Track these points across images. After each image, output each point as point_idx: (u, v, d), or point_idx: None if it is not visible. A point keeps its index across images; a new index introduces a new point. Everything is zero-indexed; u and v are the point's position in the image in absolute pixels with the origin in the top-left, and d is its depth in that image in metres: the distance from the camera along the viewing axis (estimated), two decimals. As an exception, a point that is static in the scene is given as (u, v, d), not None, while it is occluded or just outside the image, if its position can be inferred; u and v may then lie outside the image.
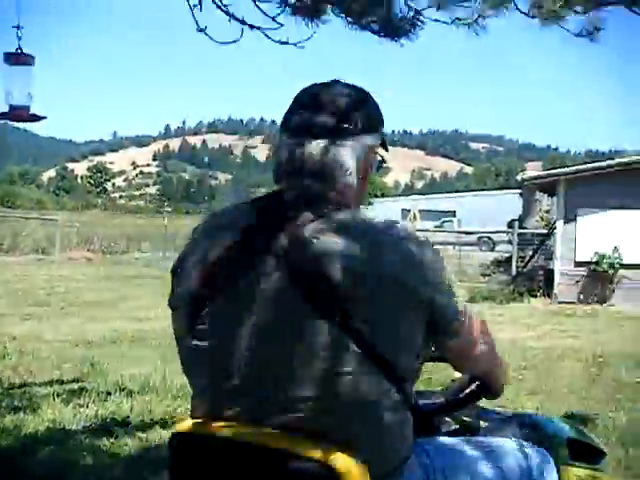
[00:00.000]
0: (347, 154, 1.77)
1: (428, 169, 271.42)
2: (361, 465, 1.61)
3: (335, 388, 1.63)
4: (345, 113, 1.78)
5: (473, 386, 2.08)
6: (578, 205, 17.91)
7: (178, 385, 7.29)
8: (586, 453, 2.29)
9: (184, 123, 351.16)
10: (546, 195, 25.45)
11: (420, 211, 40.52)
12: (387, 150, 1.93)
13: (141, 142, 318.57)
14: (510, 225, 25.15)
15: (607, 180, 17.74)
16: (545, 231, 22.17)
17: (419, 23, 4.23)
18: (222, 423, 1.73)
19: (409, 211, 42.58)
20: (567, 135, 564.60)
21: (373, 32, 4.60)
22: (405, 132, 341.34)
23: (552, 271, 18.83)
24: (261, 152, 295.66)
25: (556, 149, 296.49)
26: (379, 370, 1.64)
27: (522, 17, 4.16)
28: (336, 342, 1.61)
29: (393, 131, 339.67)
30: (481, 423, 2.29)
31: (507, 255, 24.16)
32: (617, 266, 17.40)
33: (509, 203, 48.28)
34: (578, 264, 18.08)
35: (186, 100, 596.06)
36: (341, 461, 1.60)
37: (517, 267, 21.10)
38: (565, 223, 18.22)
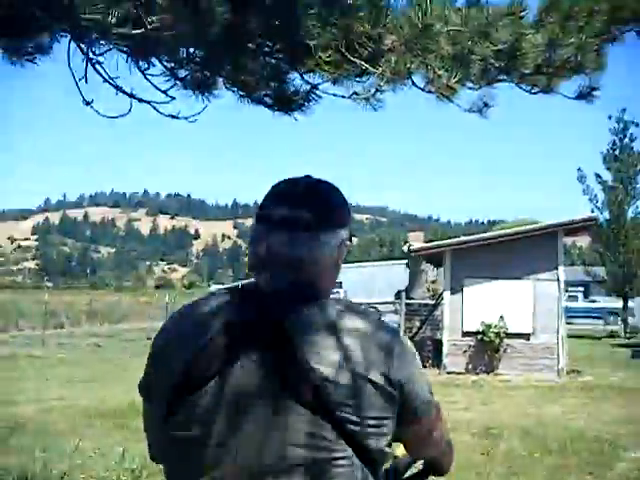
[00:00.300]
0: (324, 247, 1.87)
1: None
2: None
3: (320, 475, 1.70)
4: (322, 209, 1.90)
5: (420, 465, 2.14)
6: (464, 275, 18.19)
7: (59, 474, 6.85)
8: None
9: (65, 196, 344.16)
10: (432, 266, 25.87)
11: (307, 283, 40.55)
12: (351, 241, 2.03)
13: (19, 216, 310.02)
14: (397, 296, 25.38)
15: (491, 251, 18.14)
16: (432, 302, 22.43)
17: (314, 97, 4.13)
18: None
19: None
20: (447, 206, 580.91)
21: (266, 106, 4.48)
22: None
23: (440, 341, 18.96)
24: (144, 225, 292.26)
25: (437, 220, 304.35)
26: (359, 458, 1.73)
27: (417, 92, 4.13)
28: (319, 433, 1.69)
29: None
30: None
31: (394, 326, 24.30)
32: (503, 335, 17.62)
33: (395, 274, 48.80)
34: (465, 334, 18.25)
35: (67, 173, 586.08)
36: None
37: (405, 338, 21.24)
38: (452, 294, 18.44)
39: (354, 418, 1.71)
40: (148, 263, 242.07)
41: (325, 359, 1.72)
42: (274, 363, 1.73)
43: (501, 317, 17.62)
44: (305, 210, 1.86)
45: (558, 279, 17.74)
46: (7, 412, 11.22)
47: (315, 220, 1.86)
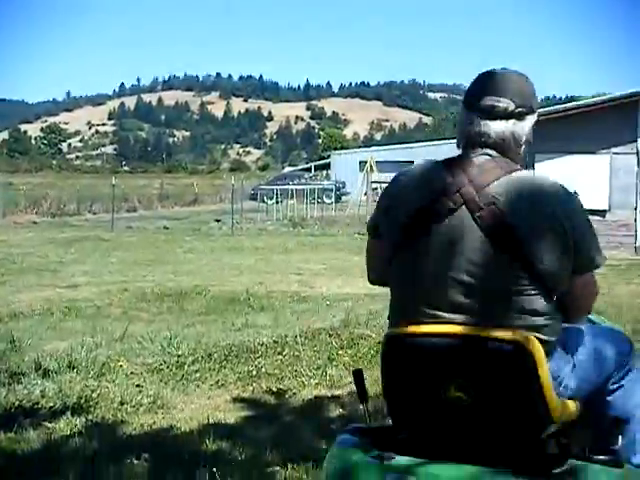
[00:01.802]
0: (522, 130, 2.42)
1: (387, 120, 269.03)
2: (540, 345, 2.27)
3: (517, 301, 2.29)
4: (521, 99, 2.40)
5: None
6: (535, 150, 17.30)
7: (102, 360, 6.63)
8: None
9: (139, 81, 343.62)
10: (503, 142, 24.99)
11: (377, 162, 39.60)
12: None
13: (96, 101, 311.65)
14: (468, 174, 24.64)
15: (564, 124, 17.21)
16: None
17: None
18: (424, 326, 2.33)
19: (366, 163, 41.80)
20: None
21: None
22: (362, 83, 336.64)
23: (511, 220, 18.31)
24: (218, 108, 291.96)
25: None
26: (541, 289, 2.30)
27: None
28: (511, 271, 2.26)
29: (350, 83, 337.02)
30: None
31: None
32: (577, 212, 16.84)
33: (467, 151, 47.79)
34: (537, 212, 17.54)
35: (140, 57, 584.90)
36: (530, 341, 2.24)
37: (475, 217, 20.60)
38: (523, 169, 17.63)
39: (539, 258, 2.25)
40: (223, 146, 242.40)
41: (519, 215, 2.25)
42: (480, 217, 2.28)
43: (575, 193, 16.77)
44: (507, 100, 2.38)
45: (637, 152, 16.73)
46: (65, 295, 11.17)
47: (518, 108, 2.39)
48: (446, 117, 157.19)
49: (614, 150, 16.83)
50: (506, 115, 2.38)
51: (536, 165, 17.31)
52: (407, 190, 2.42)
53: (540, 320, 2.32)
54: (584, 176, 16.67)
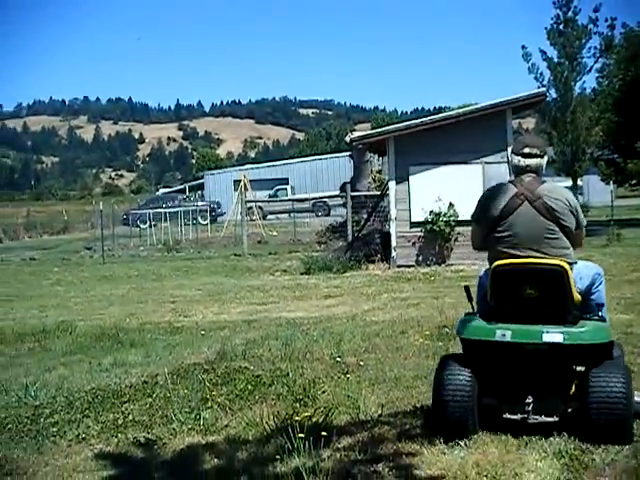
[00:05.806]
0: (544, 163, 5.15)
1: (260, 138, 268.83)
2: (568, 266, 4.90)
3: (555, 243, 4.95)
4: (542, 148, 5.16)
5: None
6: (409, 163, 17.17)
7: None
8: None
9: (1, 107, 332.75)
10: (377, 155, 24.84)
11: (251, 181, 38.98)
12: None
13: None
14: (342, 189, 24.38)
15: (436, 135, 17.11)
16: (378, 192, 21.45)
17: None
18: (513, 260, 4.94)
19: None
20: (394, 96, 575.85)
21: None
22: (234, 102, 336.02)
23: (389, 234, 18.05)
24: (87, 132, 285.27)
25: (384, 110, 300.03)
26: (566, 236, 4.98)
27: None
28: (552, 228, 4.94)
29: (222, 102, 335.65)
30: None
31: (343, 220, 23.37)
32: (453, 224, 16.82)
33: (342, 166, 47.86)
34: (414, 224, 17.35)
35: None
36: (565, 265, 4.84)
37: (353, 232, 20.28)
38: (397, 183, 17.42)
39: (564, 220, 4.93)
40: (94, 170, 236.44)
41: (554, 203, 4.92)
42: (535, 206, 4.91)
43: (450, 204, 16.74)
44: (537, 148, 5.09)
45: (508, 160, 16.77)
46: None
47: (542, 152, 5.11)
48: (319, 132, 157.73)
49: (485, 160, 16.84)
50: (537, 156, 5.04)
51: (410, 177, 17.18)
52: (494, 196, 5.04)
53: (567, 251, 4.93)
54: (459, 186, 16.54)
